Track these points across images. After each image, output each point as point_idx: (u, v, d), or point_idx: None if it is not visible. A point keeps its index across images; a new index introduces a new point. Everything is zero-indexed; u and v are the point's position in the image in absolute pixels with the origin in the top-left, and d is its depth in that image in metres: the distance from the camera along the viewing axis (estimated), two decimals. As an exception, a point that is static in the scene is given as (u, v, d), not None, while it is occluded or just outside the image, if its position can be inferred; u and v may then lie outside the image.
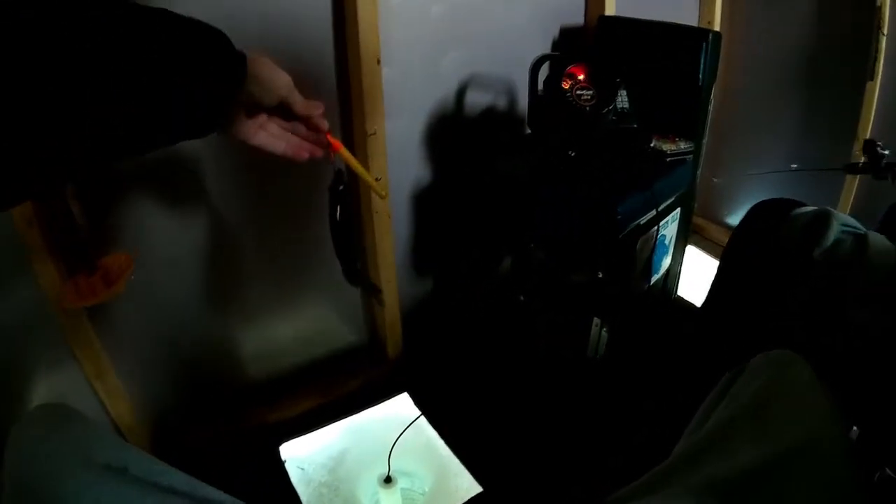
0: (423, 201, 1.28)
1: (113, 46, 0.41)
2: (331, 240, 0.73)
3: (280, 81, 0.55)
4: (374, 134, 1.07)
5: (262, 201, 1.08)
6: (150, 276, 1.00)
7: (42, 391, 0.98)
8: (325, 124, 0.61)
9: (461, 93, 1.22)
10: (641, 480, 0.59)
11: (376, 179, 1.07)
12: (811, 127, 1.56)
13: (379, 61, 1.02)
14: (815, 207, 0.90)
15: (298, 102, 0.58)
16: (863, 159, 1.06)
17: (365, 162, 1.08)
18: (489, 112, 1.28)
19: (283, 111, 0.58)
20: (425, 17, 1.12)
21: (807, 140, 1.57)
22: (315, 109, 0.60)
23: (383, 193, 0.65)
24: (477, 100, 1.25)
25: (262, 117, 0.57)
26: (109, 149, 0.44)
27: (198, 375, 1.15)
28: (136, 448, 0.60)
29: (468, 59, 1.20)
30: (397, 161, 1.17)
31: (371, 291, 1.23)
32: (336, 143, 0.63)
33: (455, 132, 1.25)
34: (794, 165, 1.34)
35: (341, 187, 0.66)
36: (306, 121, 0.60)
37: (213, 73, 0.47)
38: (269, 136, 0.58)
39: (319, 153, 0.62)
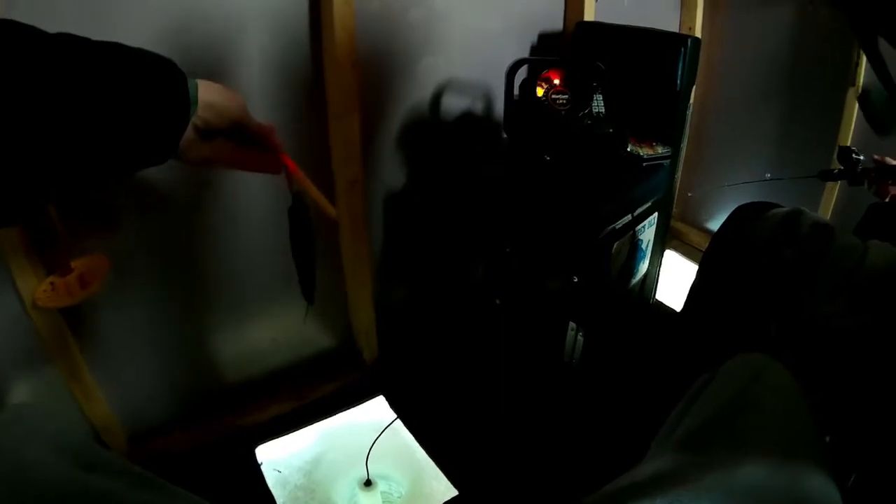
0: (399, 205, 1.28)
1: (80, 80, 0.41)
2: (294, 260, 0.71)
3: (233, 103, 0.55)
4: (350, 137, 1.08)
5: (240, 209, 1.08)
6: (125, 278, 1.00)
7: (17, 393, 0.98)
8: (279, 143, 0.61)
9: (437, 97, 1.23)
10: (608, 489, 0.57)
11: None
12: (792, 133, 1.57)
13: (354, 64, 1.02)
14: (789, 207, 0.91)
15: (252, 123, 0.58)
16: (838, 166, 1.07)
17: (341, 164, 1.09)
18: (466, 116, 1.28)
19: (236, 135, 0.58)
20: (402, 22, 1.13)
21: (787, 146, 1.58)
22: (268, 131, 0.60)
23: (333, 215, 0.65)
24: (454, 104, 1.25)
25: (219, 140, 0.57)
26: (78, 174, 0.45)
27: (174, 378, 1.15)
28: (105, 450, 0.60)
29: (445, 64, 1.21)
30: (373, 164, 1.18)
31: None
32: (291, 163, 0.62)
33: (431, 136, 1.25)
34: (769, 175, 1.34)
35: (301, 211, 0.65)
36: (261, 142, 0.60)
37: (166, 99, 0.48)
38: (231, 156, 0.59)
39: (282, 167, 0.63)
